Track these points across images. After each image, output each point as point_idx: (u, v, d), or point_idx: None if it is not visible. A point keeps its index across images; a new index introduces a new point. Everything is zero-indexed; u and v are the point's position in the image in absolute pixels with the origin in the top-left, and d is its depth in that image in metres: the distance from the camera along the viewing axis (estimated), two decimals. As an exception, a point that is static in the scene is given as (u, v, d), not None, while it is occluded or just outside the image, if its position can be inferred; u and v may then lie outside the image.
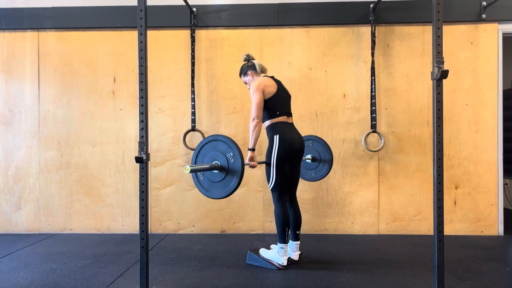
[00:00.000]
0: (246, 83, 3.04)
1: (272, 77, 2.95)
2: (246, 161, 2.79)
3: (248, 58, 3.01)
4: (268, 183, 2.85)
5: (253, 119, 2.76)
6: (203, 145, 2.66)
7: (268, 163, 2.84)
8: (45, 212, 4.05)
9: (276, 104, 2.85)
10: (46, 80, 4.06)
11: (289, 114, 2.95)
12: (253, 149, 2.80)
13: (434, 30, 2.22)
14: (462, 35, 3.90)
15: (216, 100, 4.01)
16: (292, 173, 2.93)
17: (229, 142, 2.54)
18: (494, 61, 3.87)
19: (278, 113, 2.86)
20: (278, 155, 2.79)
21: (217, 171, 2.58)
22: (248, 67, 2.99)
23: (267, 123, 2.89)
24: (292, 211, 2.98)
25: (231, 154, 2.52)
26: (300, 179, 3.55)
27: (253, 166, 2.80)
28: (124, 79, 4.03)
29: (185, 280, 2.63)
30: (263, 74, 2.98)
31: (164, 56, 4.02)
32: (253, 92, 2.80)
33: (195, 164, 2.68)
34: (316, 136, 3.55)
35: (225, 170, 2.55)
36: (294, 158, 2.89)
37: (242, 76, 3.05)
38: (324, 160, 3.47)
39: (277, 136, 2.81)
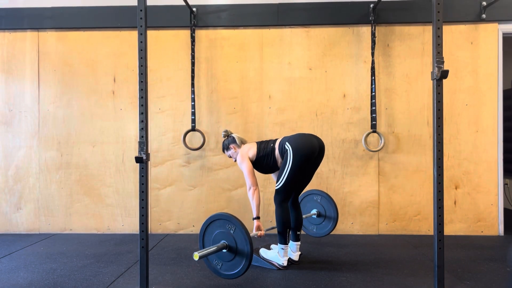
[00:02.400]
0: (230, 157, 3.10)
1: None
2: (254, 231, 2.78)
3: (227, 134, 3.10)
4: (276, 183, 2.80)
5: (249, 188, 2.82)
6: (209, 224, 2.54)
7: (283, 167, 2.75)
8: (45, 212, 4.05)
9: (265, 145, 2.92)
10: (46, 80, 4.06)
11: None
12: (257, 218, 2.81)
13: (434, 30, 2.22)
14: (462, 35, 3.90)
15: (216, 100, 4.01)
16: (304, 178, 2.89)
17: (236, 222, 2.43)
18: (494, 61, 3.87)
19: (272, 145, 2.89)
20: (294, 160, 2.69)
21: (225, 251, 2.47)
22: (229, 141, 3.06)
23: (276, 154, 2.85)
24: (294, 212, 2.98)
25: (239, 237, 2.40)
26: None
27: (260, 236, 2.79)
28: (124, 79, 4.03)
29: (185, 280, 2.63)
30: (243, 145, 3.04)
31: (164, 56, 4.02)
32: (240, 163, 2.90)
33: (202, 242, 2.56)
34: (322, 191, 3.49)
35: (233, 250, 2.43)
36: (313, 159, 2.78)
37: (225, 151, 3.12)
38: (329, 216, 3.44)
39: (287, 143, 2.76)
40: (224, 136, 3.11)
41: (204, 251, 2.36)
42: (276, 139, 2.94)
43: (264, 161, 2.89)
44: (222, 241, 2.46)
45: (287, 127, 3.96)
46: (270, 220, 3.96)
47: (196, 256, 2.27)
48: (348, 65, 3.95)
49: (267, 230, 2.90)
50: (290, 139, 2.78)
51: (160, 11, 3.96)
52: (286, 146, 2.76)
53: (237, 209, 3.98)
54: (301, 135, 2.82)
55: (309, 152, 2.73)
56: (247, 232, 2.40)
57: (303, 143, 2.73)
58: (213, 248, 2.41)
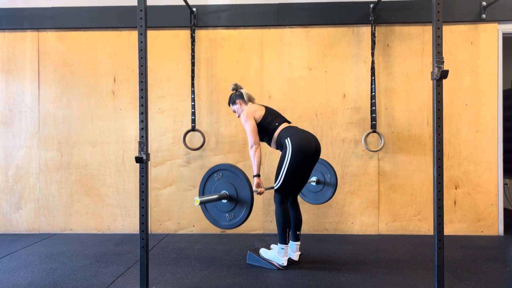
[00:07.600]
0: (235, 112, 3.10)
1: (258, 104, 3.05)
2: (254, 188, 2.78)
3: (236, 88, 3.08)
4: (275, 182, 2.81)
5: (251, 146, 2.82)
6: (210, 175, 2.61)
7: (280, 165, 2.77)
8: (45, 212, 4.05)
9: (271, 119, 2.91)
10: (46, 80, 4.06)
11: (288, 121, 2.97)
12: (258, 175, 2.81)
13: (434, 30, 2.22)
14: (462, 35, 3.90)
15: (216, 100, 4.01)
16: (301, 178, 2.89)
17: (237, 172, 2.49)
18: (494, 61, 3.87)
19: (277, 124, 2.89)
20: (292, 159, 2.71)
21: (225, 201, 2.52)
22: (236, 96, 3.05)
23: (274, 137, 2.89)
24: (293, 212, 2.97)
25: (240, 185, 2.46)
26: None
27: (260, 193, 2.81)
28: (124, 79, 4.03)
29: (185, 280, 2.63)
30: (251, 103, 3.04)
31: (164, 56, 4.02)
32: (244, 121, 2.88)
33: (202, 193, 2.62)
34: (321, 159, 3.46)
35: (234, 200, 2.49)
36: (309, 161, 2.80)
37: (230, 105, 3.12)
38: (329, 183, 3.42)
39: (288, 139, 2.76)
40: (233, 90, 3.09)
41: (205, 197, 2.42)
42: (282, 119, 2.94)
43: (262, 131, 2.91)
44: (223, 191, 2.51)
45: (287, 127, 3.95)
46: (270, 220, 3.96)
47: (197, 201, 2.32)
48: (348, 65, 3.95)
49: (266, 189, 2.90)
50: (292, 135, 2.76)
51: (160, 11, 3.96)
52: (286, 142, 2.75)
53: (237, 209, 3.98)
54: (300, 133, 2.80)
55: (307, 153, 2.74)
56: (247, 179, 2.44)
57: (302, 144, 2.73)
58: (214, 196, 2.45)
